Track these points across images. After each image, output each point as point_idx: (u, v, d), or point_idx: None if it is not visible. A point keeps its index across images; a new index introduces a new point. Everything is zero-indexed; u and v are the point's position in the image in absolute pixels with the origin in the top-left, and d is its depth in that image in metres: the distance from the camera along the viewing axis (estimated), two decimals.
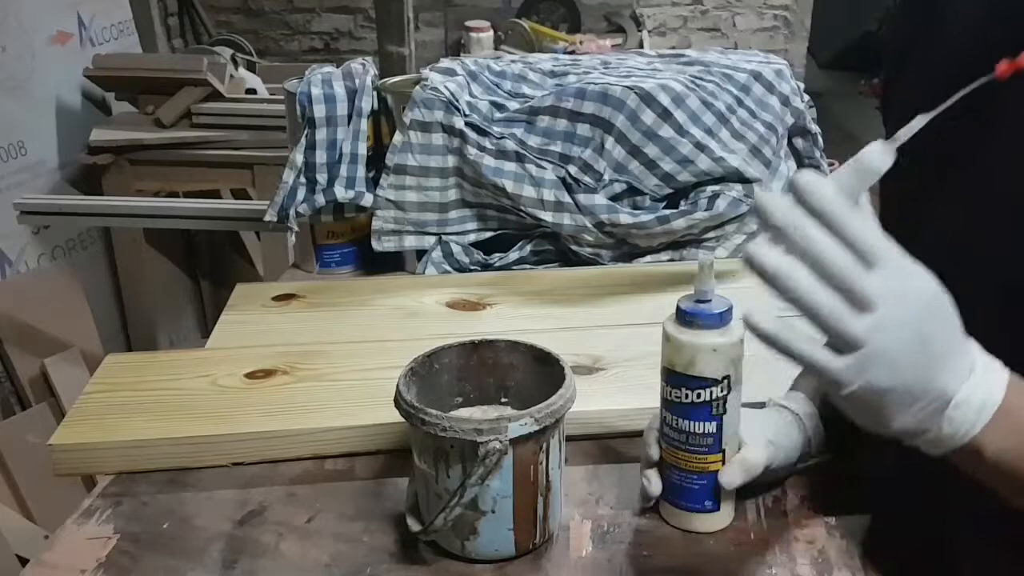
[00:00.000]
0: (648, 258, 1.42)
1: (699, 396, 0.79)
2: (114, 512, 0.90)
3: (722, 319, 0.79)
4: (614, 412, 0.99)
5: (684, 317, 0.79)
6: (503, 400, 0.91)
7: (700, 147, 1.38)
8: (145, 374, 1.09)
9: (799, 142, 1.53)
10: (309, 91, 1.41)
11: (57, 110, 2.58)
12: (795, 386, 0.94)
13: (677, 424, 0.81)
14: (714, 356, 0.78)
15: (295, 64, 3.55)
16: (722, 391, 0.79)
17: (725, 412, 0.80)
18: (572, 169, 1.39)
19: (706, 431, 0.81)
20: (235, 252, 2.84)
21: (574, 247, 1.41)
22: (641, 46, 3.73)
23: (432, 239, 1.44)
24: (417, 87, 1.41)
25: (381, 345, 1.15)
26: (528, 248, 1.43)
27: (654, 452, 0.85)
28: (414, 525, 0.81)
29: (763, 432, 0.85)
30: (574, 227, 1.38)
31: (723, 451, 0.82)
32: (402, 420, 0.80)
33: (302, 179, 1.42)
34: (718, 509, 0.84)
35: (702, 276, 0.79)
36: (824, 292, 0.56)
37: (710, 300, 0.79)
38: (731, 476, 0.81)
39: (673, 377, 0.80)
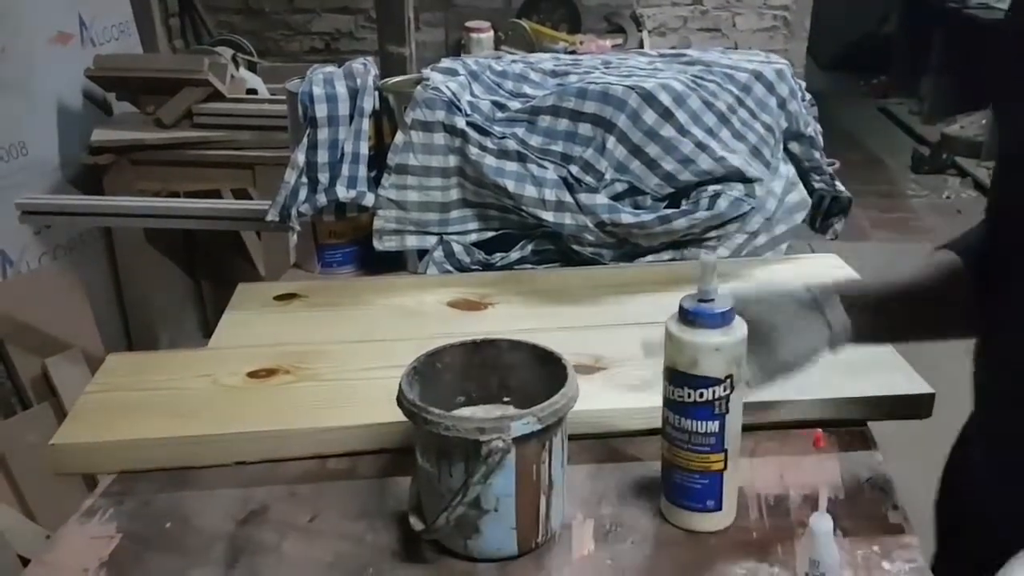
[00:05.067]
0: (649, 258, 1.42)
1: (702, 395, 0.79)
2: (116, 511, 0.90)
3: (724, 318, 0.79)
4: (616, 411, 0.99)
5: (687, 316, 0.80)
6: (505, 399, 0.91)
7: (701, 147, 1.38)
8: (146, 373, 1.09)
9: (795, 147, 1.52)
10: (311, 91, 1.41)
11: (58, 110, 2.58)
12: (844, 286, 0.92)
13: (680, 423, 0.81)
14: (717, 355, 0.78)
15: (296, 64, 3.55)
16: (724, 390, 0.80)
17: (728, 411, 0.80)
18: (573, 169, 1.39)
19: (708, 430, 0.81)
20: (236, 252, 2.83)
21: (575, 247, 1.41)
22: (641, 46, 3.73)
23: (434, 239, 1.44)
24: (419, 87, 1.41)
25: (383, 345, 1.15)
26: (529, 248, 1.43)
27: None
28: (417, 524, 0.81)
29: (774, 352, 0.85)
30: (575, 227, 1.38)
31: (725, 450, 0.82)
32: (405, 419, 0.80)
33: (304, 179, 1.42)
34: (720, 508, 0.84)
35: (704, 276, 0.79)
36: None
37: (712, 299, 0.79)
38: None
39: (676, 376, 0.80)
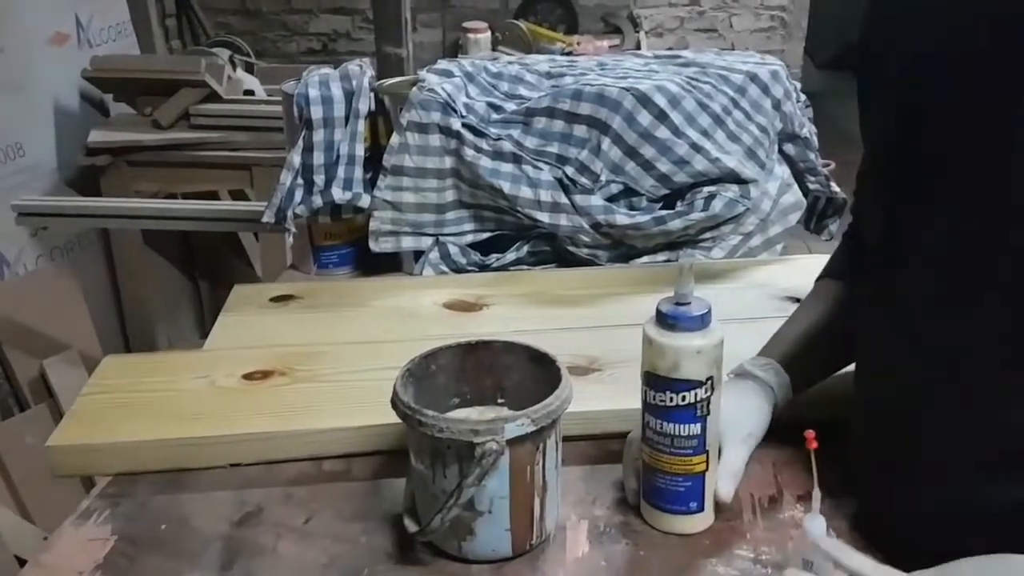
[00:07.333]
0: (645, 259, 1.43)
1: (684, 399, 0.79)
2: (112, 513, 0.90)
3: (703, 321, 0.79)
4: (610, 412, 0.99)
5: (666, 320, 0.79)
6: (500, 401, 0.92)
7: (696, 148, 1.38)
8: (143, 375, 1.10)
9: (790, 148, 1.53)
10: (306, 92, 1.41)
11: (55, 111, 2.58)
12: (765, 351, 0.96)
13: (661, 428, 0.81)
14: (698, 358, 0.79)
15: (293, 65, 3.56)
16: (706, 392, 0.80)
17: (709, 413, 0.81)
18: (569, 170, 1.39)
19: (691, 433, 0.81)
20: (233, 253, 2.84)
21: (571, 248, 1.41)
22: (638, 47, 3.73)
23: (429, 240, 1.44)
24: (414, 88, 1.41)
25: (378, 346, 1.15)
26: (525, 249, 1.44)
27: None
28: (411, 526, 0.82)
29: (740, 424, 0.87)
30: (571, 228, 1.38)
31: (707, 451, 0.82)
32: (399, 421, 0.81)
33: (300, 180, 1.42)
34: (703, 510, 0.84)
35: (682, 279, 0.79)
36: None
37: (690, 302, 0.79)
38: (727, 488, 0.83)
39: (657, 381, 0.80)
